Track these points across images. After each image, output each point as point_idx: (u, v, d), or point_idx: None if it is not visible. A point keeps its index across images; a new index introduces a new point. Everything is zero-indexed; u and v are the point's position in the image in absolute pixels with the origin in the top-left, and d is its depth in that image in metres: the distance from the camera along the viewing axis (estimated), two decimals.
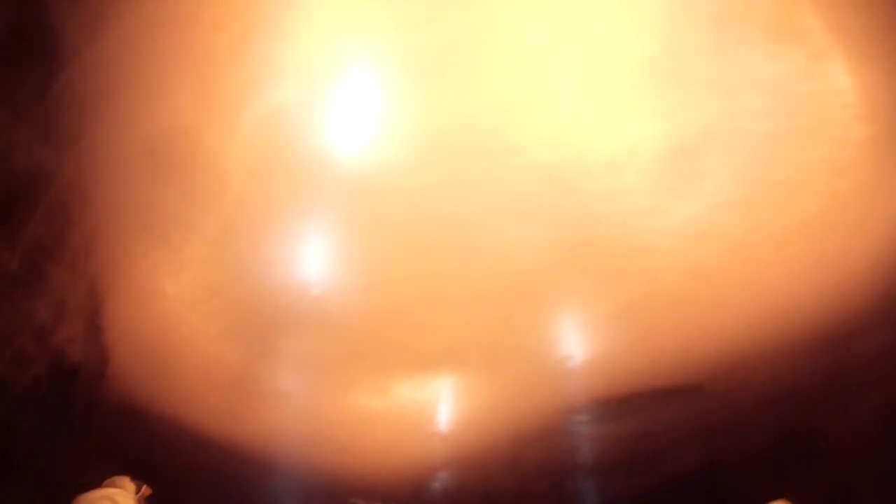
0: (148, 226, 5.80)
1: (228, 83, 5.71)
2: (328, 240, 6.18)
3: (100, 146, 5.51)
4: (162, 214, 5.78)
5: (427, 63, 5.65)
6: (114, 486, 5.25)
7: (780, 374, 5.86)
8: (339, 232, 6.14)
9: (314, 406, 6.29)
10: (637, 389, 6.28)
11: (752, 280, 6.01)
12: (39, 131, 5.16)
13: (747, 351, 5.99)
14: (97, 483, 5.28)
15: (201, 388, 6.11)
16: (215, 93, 5.63)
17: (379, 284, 6.26)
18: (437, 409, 6.66)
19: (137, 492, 5.32)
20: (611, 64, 5.73)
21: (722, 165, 5.90)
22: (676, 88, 5.76)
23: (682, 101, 5.77)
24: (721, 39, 5.60)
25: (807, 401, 5.67)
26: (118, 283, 5.99)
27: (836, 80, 5.65)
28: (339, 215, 6.05)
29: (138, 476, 5.39)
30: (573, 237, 6.02)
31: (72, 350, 5.76)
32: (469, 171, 5.94)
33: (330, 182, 5.98)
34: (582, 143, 5.85)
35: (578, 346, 6.40)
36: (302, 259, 6.21)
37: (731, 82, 5.71)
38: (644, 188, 5.89)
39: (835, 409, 5.59)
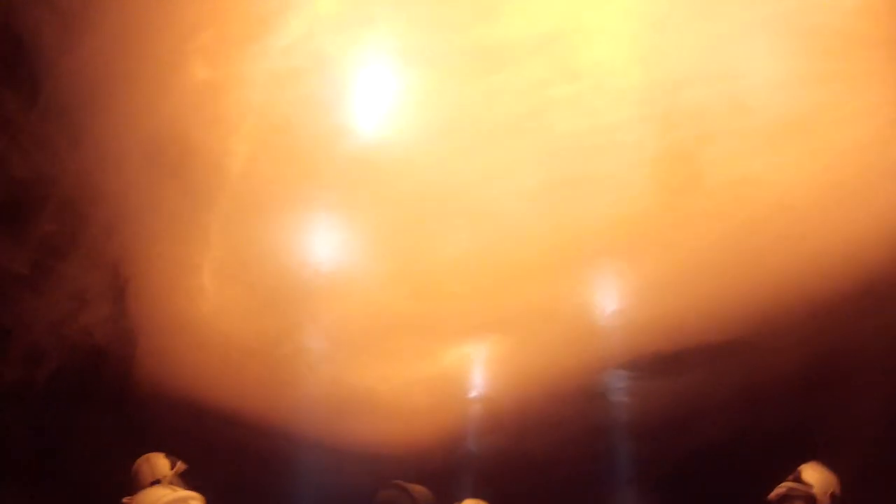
0: (166, 209, 5.84)
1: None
2: (359, 213, 6.17)
3: (102, 145, 5.54)
4: (179, 198, 5.81)
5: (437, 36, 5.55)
6: (148, 463, 5.28)
7: (821, 330, 5.72)
8: (371, 204, 6.13)
9: (346, 377, 6.35)
10: (676, 349, 6.20)
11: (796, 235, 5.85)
12: (36, 137, 5.21)
13: (790, 307, 5.85)
14: (130, 459, 5.36)
15: (232, 364, 6.21)
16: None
17: (413, 255, 6.26)
18: (475, 373, 6.68)
19: (172, 468, 5.30)
20: None
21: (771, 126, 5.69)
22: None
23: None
24: None
25: (847, 360, 5.53)
26: (141, 265, 6.07)
27: None
28: (369, 188, 6.03)
29: (171, 452, 5.42)
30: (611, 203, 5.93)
31: (100, 332, 5.87)
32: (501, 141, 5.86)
33: (357, 155, 5.96)
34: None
35: (617, 308, 6.33)
36: (332, 233, 6.22)
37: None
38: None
39: (875, 371, 5.44)
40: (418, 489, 4.40)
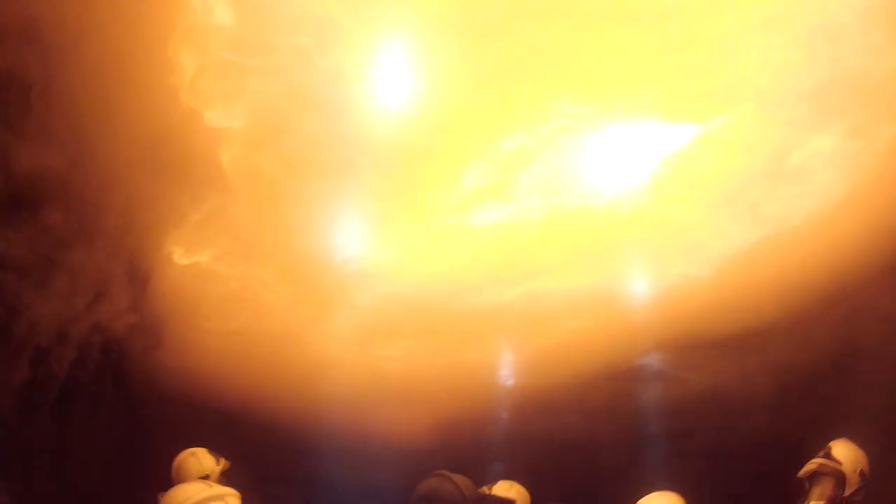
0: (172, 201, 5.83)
1: None
2: (378, 201, 6.18)
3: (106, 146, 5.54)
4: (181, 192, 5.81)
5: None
6: (195, 457, 5.17)
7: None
8: (389, 192, 6.14)
9: (374, 364, 6.37)
10: (710, 335, 6.18)
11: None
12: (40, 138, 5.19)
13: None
14: (169, 453, 5.27)
15: (259, 350, 6.22)
16: None
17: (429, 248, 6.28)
18: (504, 357, 6.70)
19: (217, 464, 5.18)
20: None
21: None
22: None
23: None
24: None
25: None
26: (159, 255, 6.06)
27: None
28: (383, 175, 6.03)
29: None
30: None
31: (117, 324, 5.88)
32: None
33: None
34: None
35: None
36: (348, 221, 6.23)
37: None
38: None
39: None
40: (460, 478, 4.41)
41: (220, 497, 3.20)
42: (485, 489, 4.98)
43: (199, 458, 5.18)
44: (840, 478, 4.44)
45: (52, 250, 5.28)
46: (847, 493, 4.40)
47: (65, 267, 5.39)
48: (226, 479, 4.69)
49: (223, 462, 5.23)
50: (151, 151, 5.56)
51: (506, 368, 6.65)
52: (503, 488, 5.61)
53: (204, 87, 5.83)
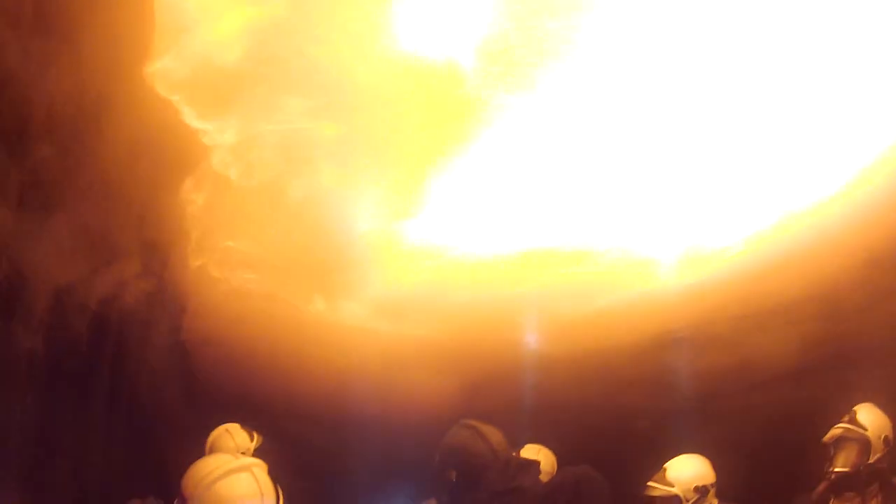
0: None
1: None
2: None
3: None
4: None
5: None
6: (229, 434, 5.15)
7: None
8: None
9: (398, 328, 6.39)
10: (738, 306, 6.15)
11: None
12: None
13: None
14: (202, 428, 5.28)
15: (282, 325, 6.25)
16: None
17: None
18: (531, 322, 6.70)
19: (252, 440, 5.18)
20: None
21: None
22: None
23: None
24: None
25: None
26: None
27: None
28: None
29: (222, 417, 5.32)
30: None
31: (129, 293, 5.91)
32: None
33: None
34: None
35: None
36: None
37: None
38: None
39: None
40: (489, 429, 4.29)
41: (246, 468, 3.19)
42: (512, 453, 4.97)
43: (233, 435, 5.16)
44: (865, 444, 4.43)
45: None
46: (872, 459, 4.40)
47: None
48: (261, 454, 4.48)
49: (257, 437, 5.23)
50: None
51: (534, 337, 6.66)
52: (531, 451, 5.67)
53: None
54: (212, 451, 5.00)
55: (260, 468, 3.23)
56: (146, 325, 6.04)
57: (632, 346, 6.23)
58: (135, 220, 5.83)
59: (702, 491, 4.59)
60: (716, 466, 4.70)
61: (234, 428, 5.23)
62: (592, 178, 6.12)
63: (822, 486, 4.48)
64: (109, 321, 5.62)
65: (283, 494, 3.26)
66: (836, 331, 5.61)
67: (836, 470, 4.44)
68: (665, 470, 4.66)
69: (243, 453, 4.47)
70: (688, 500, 4.57)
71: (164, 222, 5.92)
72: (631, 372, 6.32)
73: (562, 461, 5.64)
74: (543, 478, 4.83)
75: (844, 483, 4.42)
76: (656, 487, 4.63)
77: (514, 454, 4.36)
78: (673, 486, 4.59)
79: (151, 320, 6.10)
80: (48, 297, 5.12)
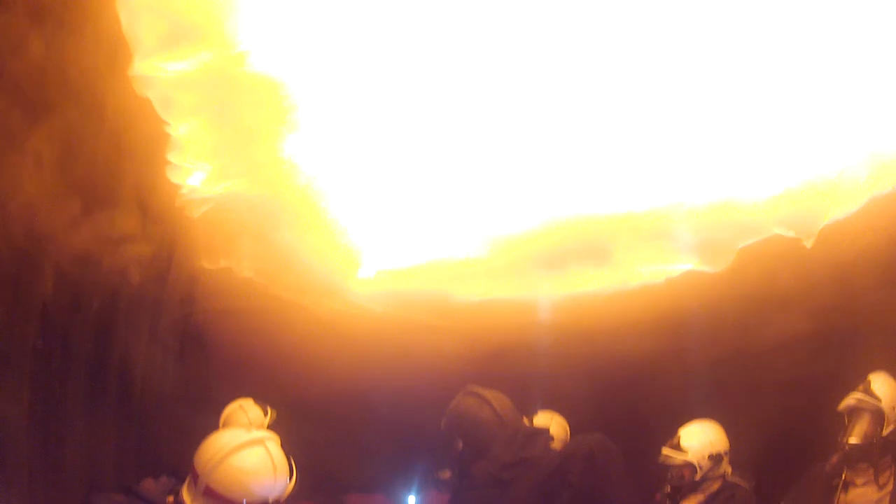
0: None
1: None
2: None
3: None
4: None
5: None
6: (242, 409, 5.22)
7: None
8: None
9: (413, 295, 6.36)
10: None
11: None
12: None
13: None
14: (218, 402, 5.33)
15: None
16: None
17: None
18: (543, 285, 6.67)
19: (265, 415, 5.26)
20: None
21: None
22: None
23: None
24: None
25: None
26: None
27: None
28: None
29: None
30: None
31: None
32: None
33: None
34: None
35: None
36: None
37: None
38: None
39: None
40: (494, 395, 4.22)
41: (259, 441, 3.21)
42: (525, 420, 4.93)
43: (247, 410, 5.22)
44: (878, 415, 4.38)
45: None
46: (885, 431, 4.35)
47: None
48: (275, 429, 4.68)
49: (271, 413, 5.29)
50: None
51: (547, 307, 6.63)
52: (544, 418, 5.69)
53: None
54: (225, 426, 5.03)
55: (273, 442, 3.25)
56: (156, 302, 6.03)
57: (646, 320, 6.19)
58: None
59: (716, 458, 4.59)
60: (729, 435, 4.70)
61: (247, 403, 5.28)
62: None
63: (835, 458, 4.45)
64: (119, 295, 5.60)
65: (297, 468, 3.27)
66: (851, 298, 5.54)
67: (850, 442, 4.40)
68: (679, 437, 4.66)
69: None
70: (701, 468, 4.58)
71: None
72: (645, 341, 6.28)
73: (575, 428, 5.66)
74: (556, 445, 4.84)
75: (858, 455, 4.39)
76: (670, 454, 4.63)
77: (522, 422, 4.32)
78: (686, 453, 4.60)
79: (161, 297, 6.08)
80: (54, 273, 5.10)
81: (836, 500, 4.42)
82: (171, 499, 3.21)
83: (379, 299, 6.37)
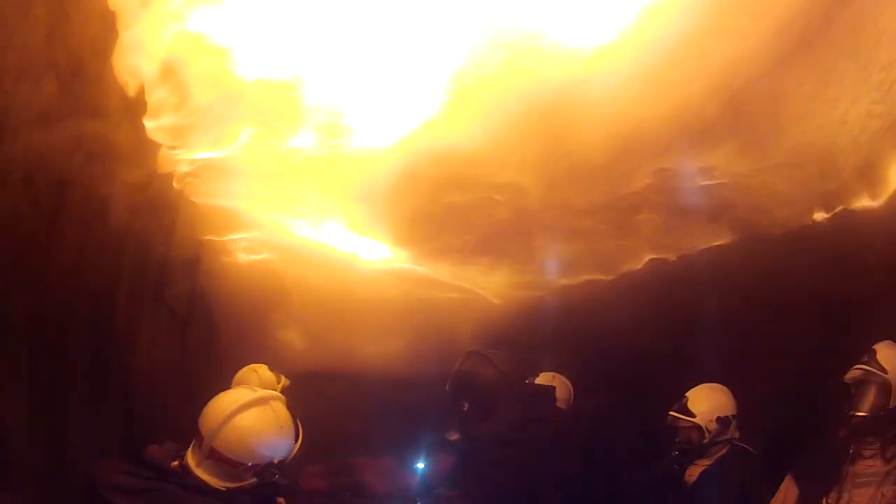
0: None
1: None
2: None
3: None
4: None
5: None
6: (256, 373, 5.15)
7: None
8: None
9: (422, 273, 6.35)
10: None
11: None
12: None
13: None
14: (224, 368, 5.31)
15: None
16: None
17: None
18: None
19: (278, 382, 5.17)
20: None
21: None
22: None
23: None
24: None
25: None
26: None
27: None
28: None
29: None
30: None
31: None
32: None
33: None
34: None
35: None
36: None
37: None
38: None
39: None
40: (497, 354, 4.17)
41: (264, 401, 3.15)
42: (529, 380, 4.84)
43: (260, 374, 5.15)
44: (885, 387, 4.30)
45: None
46: (892, 404, 4.27)
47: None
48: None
49: (283, 380, 5.22)
50: None
51: (552, 268, 6.61)
52: (545, 380, 5.65)
53: None
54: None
55: (278, 401, 3.19)
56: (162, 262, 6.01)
57: (653, 277, 6.16)
58: None
59: (723, 422, 4.55)
60: (738, 398, 4.66)
61: (261, 368, 5.22)
62: None
63: (842, 431, 4.38)
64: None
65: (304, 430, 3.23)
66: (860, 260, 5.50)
67: (857, 414, 4.34)
68: (687, 400, 4.62)
69: None
70: (709, 431, 4.54)
71: None
72: (652, 301, 6.26)
73: (580, 389, 5.63)
74: (561, 405, 4.82)
75: (865, 428, 4.32)
76: (678, 417, 4.60)
77: (527, 381, 4.27)
78: (694, 416, 4.56)
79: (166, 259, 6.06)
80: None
81: (843, 471, 4.37)
82: (175, 463, 3.14)
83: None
